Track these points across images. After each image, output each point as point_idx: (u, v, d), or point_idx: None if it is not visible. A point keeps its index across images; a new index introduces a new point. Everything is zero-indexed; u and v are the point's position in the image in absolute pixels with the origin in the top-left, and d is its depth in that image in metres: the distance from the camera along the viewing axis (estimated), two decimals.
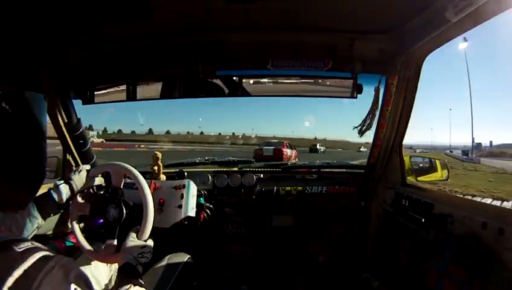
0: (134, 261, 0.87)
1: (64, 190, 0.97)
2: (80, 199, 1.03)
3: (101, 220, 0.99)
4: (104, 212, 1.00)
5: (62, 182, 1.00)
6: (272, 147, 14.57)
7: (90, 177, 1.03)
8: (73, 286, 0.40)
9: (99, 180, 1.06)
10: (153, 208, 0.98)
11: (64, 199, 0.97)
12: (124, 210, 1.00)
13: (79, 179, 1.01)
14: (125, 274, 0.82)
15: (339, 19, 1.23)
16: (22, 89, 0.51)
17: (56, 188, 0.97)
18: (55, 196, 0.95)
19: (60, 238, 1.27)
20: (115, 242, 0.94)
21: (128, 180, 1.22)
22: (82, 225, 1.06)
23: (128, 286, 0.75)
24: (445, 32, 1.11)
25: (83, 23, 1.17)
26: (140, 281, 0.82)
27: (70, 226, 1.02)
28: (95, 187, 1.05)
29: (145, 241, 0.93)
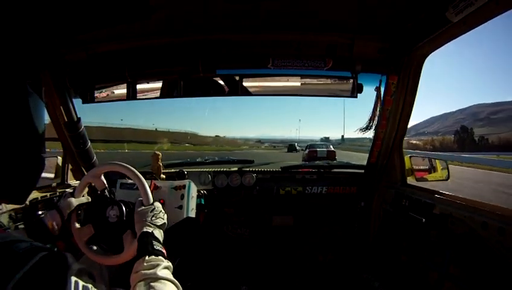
0: (151, 228, 0.83)
1: (55, 216, 0.96)
2: (77, 225, 1.02)
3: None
4: (105, 219, 1.00)
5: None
6: (325, 149, 16.66)
7: (75, 198, 1.03)
8: (73, 279, 0.39)
9: (85, 199, 1.06)
10: (139, 174, 0.98)
11: (56, 226, 0.96)
12: (123, 206, 1.00)
13: (66, 203, 1.01)
14: (141, 244, 0.76)
15: (339, 19, 1.23)
16: (20, 86, 0.51)
17: (47, 215, 0.96)
18: (47, 223, 0.94)
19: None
20: (130, 233, 0.93)
21: (129, 181, 1.22)
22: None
23: (143, 257, 0.71)
24: (446, 32, 1.11)
25: (83, 23, 1.17)
26: (158, 247, 0.75)
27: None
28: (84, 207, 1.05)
29: (152, 204, 0.92)
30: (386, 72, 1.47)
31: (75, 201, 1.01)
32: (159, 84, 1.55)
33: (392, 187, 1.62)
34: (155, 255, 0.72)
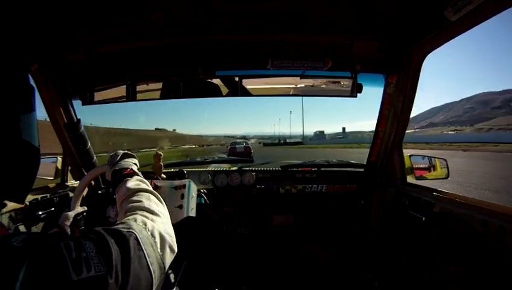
0: (113, 167, 0.85)
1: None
2: (78, 233, 1.03)
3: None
4: (106, 219, 1.01)
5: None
6: (243, 145, 20.91)
7: (71, 211, 1.05)
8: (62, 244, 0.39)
9: (81, 209, 1.07)
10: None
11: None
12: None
13: (64, 218, 1.02)
14: (114, 182, 0.78)
15: (339, 19, 1.23)
16: (17, 84, 0.51)
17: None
18: None
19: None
20: None
21: None
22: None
23: (115, 190, 0.72)
24: (445, 31, 1.11)
25: (82, 24, 1.17)
26: (121, 174, 0.78)
27: None
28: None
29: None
30: (386, 72, 1.48)
31: (71, 214, 1.03)
32: (159, 85, 1.56)
33: (392, 186, 1.62)
34: (120, 180, 0.75)
